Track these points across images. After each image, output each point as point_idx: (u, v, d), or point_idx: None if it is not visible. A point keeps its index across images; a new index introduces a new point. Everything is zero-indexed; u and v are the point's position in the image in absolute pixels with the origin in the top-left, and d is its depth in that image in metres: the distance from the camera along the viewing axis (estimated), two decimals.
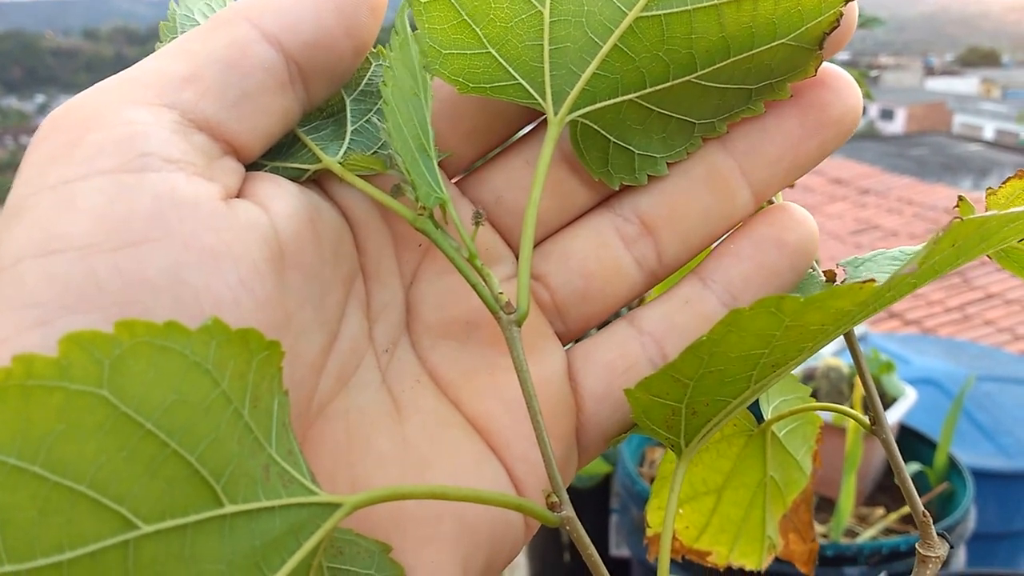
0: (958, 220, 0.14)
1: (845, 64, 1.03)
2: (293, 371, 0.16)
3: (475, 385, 0.19)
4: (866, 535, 0.79)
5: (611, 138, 0.19)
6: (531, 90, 0.19)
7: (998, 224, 0.15)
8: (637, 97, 0.19)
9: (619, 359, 0.20)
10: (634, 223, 0.20)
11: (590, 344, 0.21)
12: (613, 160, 0.20)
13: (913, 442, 0.90)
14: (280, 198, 0.17)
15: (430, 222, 0.18)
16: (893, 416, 0.85)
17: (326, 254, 0.18)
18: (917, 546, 0.21)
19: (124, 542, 0.12)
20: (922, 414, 0.95)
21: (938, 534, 0.22)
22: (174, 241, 0.15)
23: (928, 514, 0.21)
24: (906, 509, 0.83)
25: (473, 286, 0.17)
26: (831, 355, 0.89)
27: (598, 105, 0.19)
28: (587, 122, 0.19)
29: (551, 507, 0.17)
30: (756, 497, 0.27)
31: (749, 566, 0.27)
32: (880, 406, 0.22)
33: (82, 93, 0.16)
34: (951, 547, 0.21)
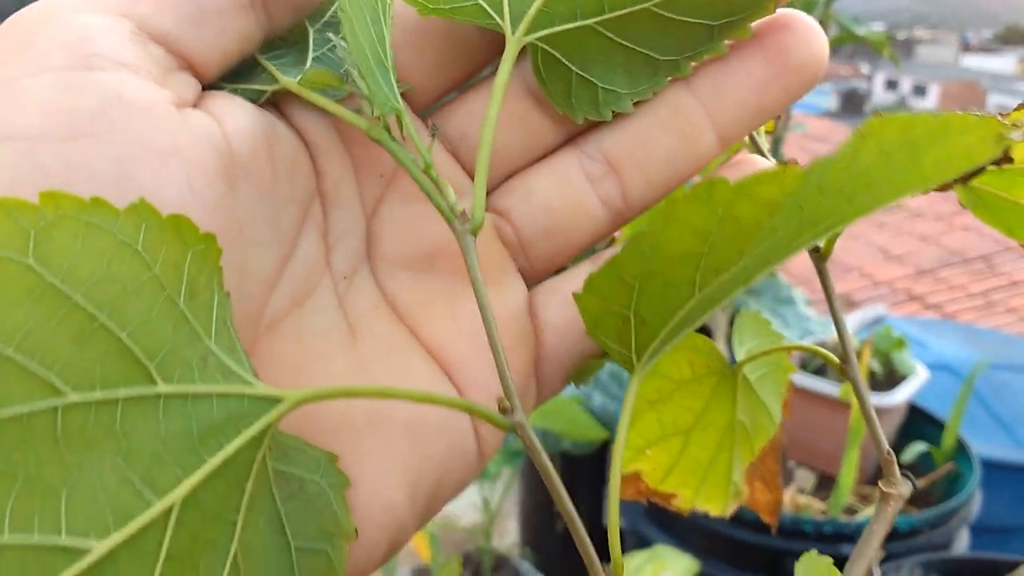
0: (878, 116, 0.13)
1: (881, 34, 0.99)
2: (243, 283, 0.17)
3: (434, 313, 0.19)
4: (865, 513, 0.79)
5: (573, 68, 0.20)
6: (489, 9, 0.19)
7: (926, 133, 0.13)
8: (596, 23, 0.19)
9: None
10: (599, 161, 0.20)
11: (554, 281, 0.21)
12: (576, 92, 0.20)
13: (922, 422, 0.89)
14: (235, 115, 0.17)
15: (386, 132, 0.18)
16: (903, 394, 0.84)
17: (281, 173, 0.18)
18: (880, 483, 0.21)
19: (52, 408, 0.12)
20: (936, 400, 0.93)
21: (902, 474, 0.21)
22: (120, 138, 0.15)
23: (892, 453, 0.21)
24: (906, 489, 0.82)
25: (428, 195, 0.18)
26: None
27: (557, 28, 0.19)
28: (547, 48, 0.19)
29: (503, 411, 0.17)
30: (724, 440, 0.27)
31: (713, 511, 0.27)
32: (850, 344, 0.22)
33: (37, 2, 0.16)
34: (914, 487, 0.21)
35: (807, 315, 0.99)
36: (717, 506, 0.28)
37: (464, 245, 0.17)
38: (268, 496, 0.15)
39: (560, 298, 0.20)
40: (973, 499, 0.81)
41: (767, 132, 0.24)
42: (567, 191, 0.20)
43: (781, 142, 0.89)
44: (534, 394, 0.20)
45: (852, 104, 3.21)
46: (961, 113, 0.13)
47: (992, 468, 1.00)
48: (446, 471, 0.18)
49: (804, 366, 0.84)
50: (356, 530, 0.16)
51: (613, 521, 0.18)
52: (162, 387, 0.13)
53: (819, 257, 0.22)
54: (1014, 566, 0.89)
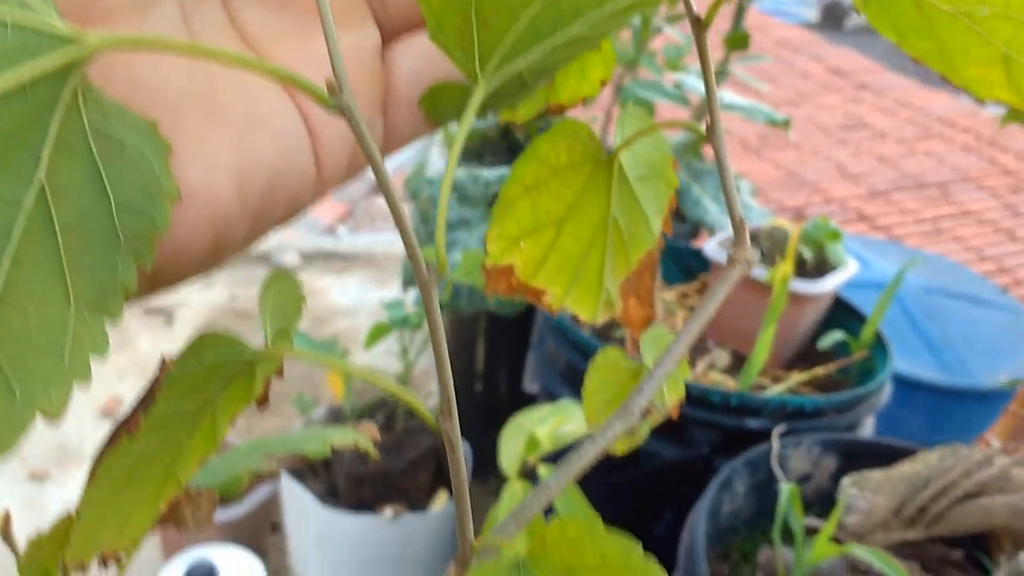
0: None
1: None
2: None
3: (284, 46, 0.19)
4: (773, 390, 0.82)
5: None
6: None
7: None
8: None
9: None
10: None
11: (411, 36, 0.20)
12: None
13: (843, 314, 0.91)
14: None
15: None
16: (829, 283, 0.85)
17: None
18: (729, 251, 0.21)
19: None
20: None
21: (752, 245, 0.21)
22: None
23: (744, 221, 0.21)
24: (817, 371, 0.85)
25: None
26: (777, 217, 0.88)
27: None
28: None
29: (330, 91, 0.16)
30: (597, 235, 0.27)
31: (583, 315, 0.27)
32: (718, 111, 0.21)
33: None
34: (762, 255, 0.21)
35: (750, 204, 0.99)
36: (587, 310, 0.27)
37: None
38: (84, 148, 0.15)
39: (416, 51, 0.20)
40: (882, 389, 0.84)
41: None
42: None
43: (744, 13, 0.85)
44: (381, 131, 0.20)
45: (833, 17, 3.11)
46: None
47: (913, 387, 1.04)
48: (277, 174, 0.18)
49: None
50: (179, 194, 0.16)
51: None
52: None
53: (698, 25, 0.21)
54: (911, 452, 0.92)
